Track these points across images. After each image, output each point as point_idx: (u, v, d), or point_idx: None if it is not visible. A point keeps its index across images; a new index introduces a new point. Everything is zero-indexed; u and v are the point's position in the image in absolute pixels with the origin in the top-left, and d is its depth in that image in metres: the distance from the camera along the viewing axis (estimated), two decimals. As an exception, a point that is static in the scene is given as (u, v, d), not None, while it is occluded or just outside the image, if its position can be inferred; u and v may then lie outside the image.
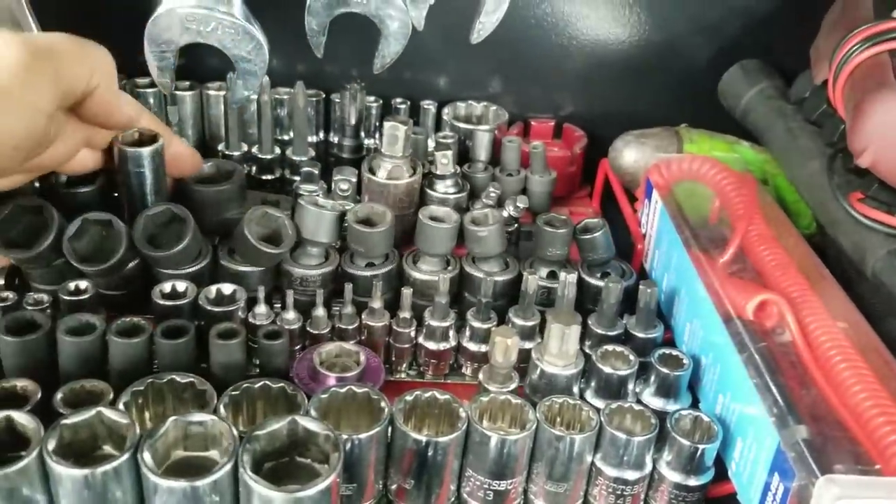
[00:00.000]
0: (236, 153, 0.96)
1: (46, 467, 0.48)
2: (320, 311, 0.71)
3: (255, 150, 0.97)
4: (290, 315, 0.70)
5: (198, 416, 0.51)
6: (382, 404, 0.57)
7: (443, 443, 0.56)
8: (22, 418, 0.50)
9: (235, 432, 0.50)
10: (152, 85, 0.98)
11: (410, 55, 0.83)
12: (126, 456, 0.48)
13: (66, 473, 0.47)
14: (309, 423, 0.51)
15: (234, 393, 0.58)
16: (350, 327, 0.71)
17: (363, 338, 0.72)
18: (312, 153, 0.96)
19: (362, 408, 0.59)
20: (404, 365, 0.74)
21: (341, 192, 0.85)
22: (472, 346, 0.72)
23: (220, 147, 0.97)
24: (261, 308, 0.70)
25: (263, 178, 0.96)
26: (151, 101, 0.98)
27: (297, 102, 0.93)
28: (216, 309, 0.68)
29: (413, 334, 0.72)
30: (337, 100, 0.99)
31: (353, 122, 0.96)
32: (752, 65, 0.99)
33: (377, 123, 1.01)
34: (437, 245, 0.75)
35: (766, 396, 0.56)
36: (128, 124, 0.72)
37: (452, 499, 0.60)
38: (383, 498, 0.61)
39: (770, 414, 0.55)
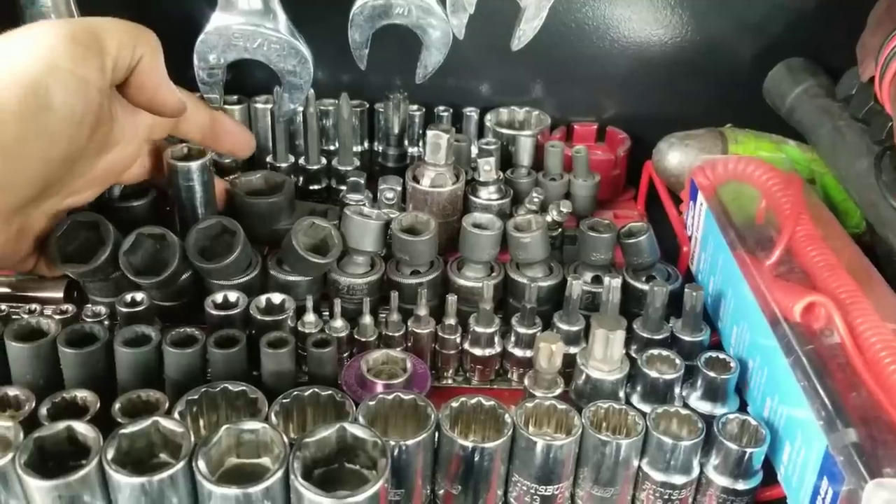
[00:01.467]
0: (284, 164, 0.98)
1: (105, 475, 0.50)
2: (367, 319, 0.72)
3: (301, 161, 0.98)
4: (338, 323, 0.72)
5: (250, 425, 0.53)
6: (429, 411, 0.58)
7: (489, 448, 0.56)
8: (82, 428, 0.52)
9: (286, 440, 0.52)
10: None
11: (452, 63, 0.84)
12: (181, 464, 0.49)
13: (125, 481, 0.49)
14: (357, 430, 0.52)
15: (284, 401, 0.60)
16: (396, 334, 0.72)
17: (409, 345, 0.73)
18: (357, 163, 0.98)
19: (409, 414, 0.60)
20: (450, 371, 0.75)
21: (387, 200, 0.87)
22: (518, 352, 0.72)
23: (268, 159, 0.99)
24: (309, 317, 0.72)
25: (310, 188, 0.98)
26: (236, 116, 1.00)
27: (342, 113, 0.94)
28: (266, 318, 0.69)
29: (458, 340, 0.73)
30: (380, 109, 1.01)
31: (396, 131, 0.97)
32: (797, 63, 0.98)
33: (420, 132, 1.02)
34: (481, 252, 0.76)
35: (815, 399, 0.56)
36: (177, 104, 0.73)
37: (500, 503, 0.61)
38: (431, 503, 0.61)
39: (818, 417, 0.55)
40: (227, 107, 1.00)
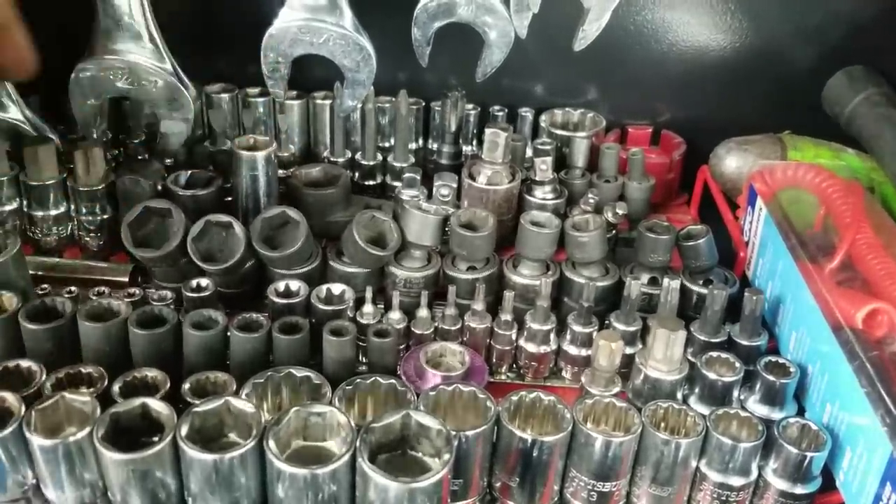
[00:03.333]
0: (341, 159, 0.99)
1: (179, 452, 0.51)
2: (424, 312, 0.73)
3: (358, 156, 1.00)
4: (396, 315, 0.73)
5: (318, 408, 0.54)
6: (489, 403, 0.59)
7: (549, 443, 0.57)
8: (157, 405, 0.54)
9: (353, 424, 0.53)
10: (262, 94, 1.02)
11: (508, 62, 0.85)
12: (252, 443, 0.51)
13: (198, 458, 0.50)
14: (422, 418, 0.53)
15: (347, 387, 0.61)
16: (452, 328, 0.73)
17: (465, 339, 0.74)
18: (412, 159, 0.99)
19: (468, 406, 0.61)
20: (504, 367, 0.75)
21: (442, 197, 0.87)
22: (573, 350, 0.73)
23: (325, 153, 1.01)
24: (368, 307, 0.73)
25: (365, 183, 0.99)
26: (262, 109, 1.02)
27: (400, 110, 0.96)
28: (327, 307, 0.71)
29: (514, 337, 0.73)
30: (437, 107, 1.02)
31: (453, 128, 0.98)
32: (858, 71, 0.97)
33: (475, 130, 1.03)
34: (538, 250, 0.77)
35: (879, 406, 0.56)
36: None
37: (556, 498, 0.61)
38: (488, 495, 0.62)
39: (882, 424, 0.54)
40: (287, 101, 1.01)
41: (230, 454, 0.50)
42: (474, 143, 1.04)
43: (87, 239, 0.85)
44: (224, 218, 0.75)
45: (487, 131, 0.85)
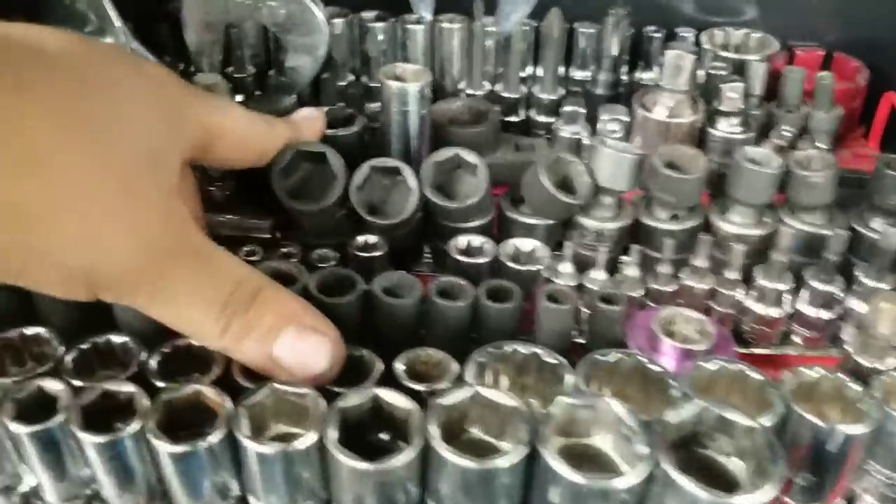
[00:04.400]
0: (479, 92, 0.87)
1: (430, 454, 0.41)
2: (634, 271, 0.62)
3: (498, 87, 0.87)
4: (601, 275, 0.62)
5: (586, 399, 0.43)
6: (769, 387, 0.48)
7: (857, 435, 0.46)
8: (394, 398, 0.43)
9: (634, 420, 0.42)
10: (379, 19, 0.89)
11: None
12: (523, 450, 0.40)
13: (453, 459, 0.40)
14: (726, 412, 0.42)
15: (599, 372, 0.50)
16: (667, 289, 0.62)
17: (680, 301, 0.63)
18: (562, 91, 0.87)
19: (732, 388, 0.50)
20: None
21: (609, 133, 0.75)
22: (811, 312, 0.62)
23: (461, 85, 0.88)
24: (566, 266, 0.62)
25: (507, 119, 0.87)
26: (381, 37, 0.89)
27: (552, 32, 0.83)
28: (521, 267, 0.60)
29: (740, 297, 0.62)
30: (582, 30, 0.89)
31: (614, 52, 0.85)
32: None
33: (626, 56, 0.90)
34: (759, 193, 0.65)
35: None
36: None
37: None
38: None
39: None
40: (409, 27, 0.88)
41: (493, 462, 0.40)
42: (624, 69, 0.91)
43: (212, 189, 0.74)
44: (391, 163, 0.63)
45: (669, 53, 0.73)
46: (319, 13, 0.70)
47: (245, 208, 0.72)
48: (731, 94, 0.75)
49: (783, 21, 0.95)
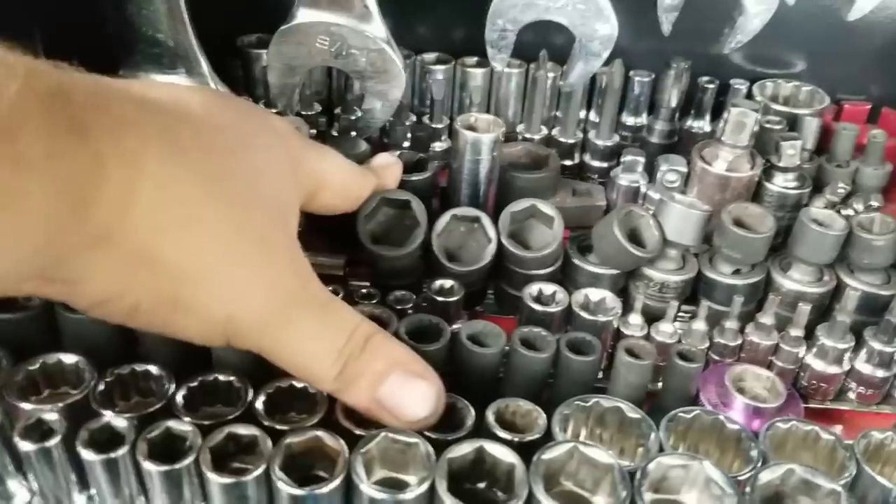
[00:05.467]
0: (537, 136, 0.89)
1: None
2: (701, 325, 0.65)
3: (555, 132, 0.90)
4: (669, 328, 0.64)
5: (680, 459, 0.46)
6: (838, 446, 0.51)
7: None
8: (498, 451, 0.45)
9: (726, 481, 0.44)
10: (480, 65, 0.92)
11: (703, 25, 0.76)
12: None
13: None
14: (810, 475, 0.45)
15: (671, 423, 0.52)
16: (733, 343, 0.64)
17: (742, 356, 0.65)
18: (617, 137, 0.89)
19: (799, 446, 0.53)
20: (782, 386, 0.67)
21: (668, 183, 0.78)
22: (867, 370, 0.64)
23: (519, 129, 0.91)
24: (635, 318, 0.65)
25: (563, 163, 0.89)
26: (480, 80, 0.92)
27: (613, 82, 0.85)
28: (594, 318, 0.62)
29: (802, 354, 0.65)
30: (637, 78, 0.91)
31: (673, 104, 0.88)
32: None
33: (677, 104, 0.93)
34: (822, 253, 0.67)
35: None
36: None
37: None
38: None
39: None
40: (468, 70, 0.91)
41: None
42: (676, 118, 0.93)
43: (285, 226, 0.76)
44: (471, 212, 0.66)
45: (734, 110, 0.75)
46: (399, 62, 0.73)
47: (317, 245, 0.74)
48: (790, 150, 0.78)
49: (831, 74, 0.97)
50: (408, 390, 0.48)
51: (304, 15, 0.72)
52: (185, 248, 0.43)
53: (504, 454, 0.45)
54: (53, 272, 0.41)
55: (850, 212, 0.78)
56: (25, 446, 0.47)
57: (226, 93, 0.58)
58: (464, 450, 0.45)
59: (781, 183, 0.79)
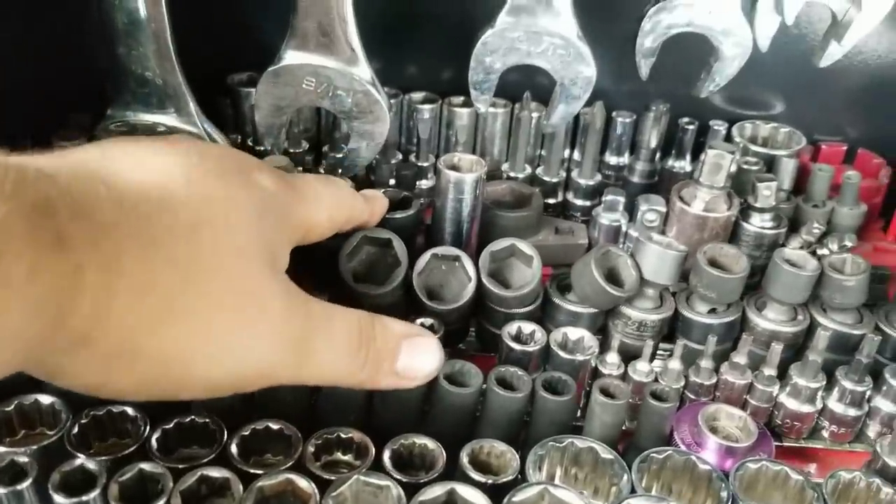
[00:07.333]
0: (521, 175, 0.91)
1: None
2: (676, 364, 0.66)
3: (539, 171, 0.92)
4: (645, 367, 0.65)
5: (651, 502, 0.47)
6: (805, 486, 0.52)
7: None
8: (470, 494, 0.46)
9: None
10: (466, 104, 0.94)
11: (681, 68, 0.78)
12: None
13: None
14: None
15: (643, 464, 0.53)
16: (707, 382, 0.66)
17: (717, 395, 0.66)
18: (599, 177, 0.91)
19: (770, 486, 0.54)
20: (756, 424, 0.68)
21: (647, 222, 0.80)
22: (839, 409, 0.65)
23: (505, 167, 0.93)
24: (612, 357, 0.66)
25: (546, 201, 0.91)
26: (465, 120, 0.94)
27: (594, 123, 0.87)
28: (571, 357, 0.63)
29: (776, 393, 0.66)
30: (620, 119, 0.93)
31: (653, 145, 0.90)
32: None
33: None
34: (795, 293, 0.69)
35: None
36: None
37: None
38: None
39: None
40: (456, 109, 0.93)
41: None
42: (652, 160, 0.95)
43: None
44: (452, 251, 0.67)
45: (710, 152, 0.77)
46: (384, 103, 0.74)
47: (298, 283, 0.75)
48: (766, 191, 0.79)
49: (808, 116, 0.99)
50: (418, 354, 0.55)
51: (291, 57, 0.74)
52: (168, 338, 0.43)
53: (475, 497, 0.46)
54: (34, 370, 0.43)
55: (825, 251, 0.79)
56: (-4, 489, 0.47)
57: (211, 148, 0.58)
58: (435, 492, 0.46)
59: (758, 223, 0.80)
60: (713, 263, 0.69)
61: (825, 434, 0.67)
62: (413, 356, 0.54)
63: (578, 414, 0.63)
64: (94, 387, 0.45)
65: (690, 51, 0.78)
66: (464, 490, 0.46)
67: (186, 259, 0.44)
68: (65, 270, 0.38)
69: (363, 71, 0.75)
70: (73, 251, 0.39)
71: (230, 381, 0.47)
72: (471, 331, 0.75)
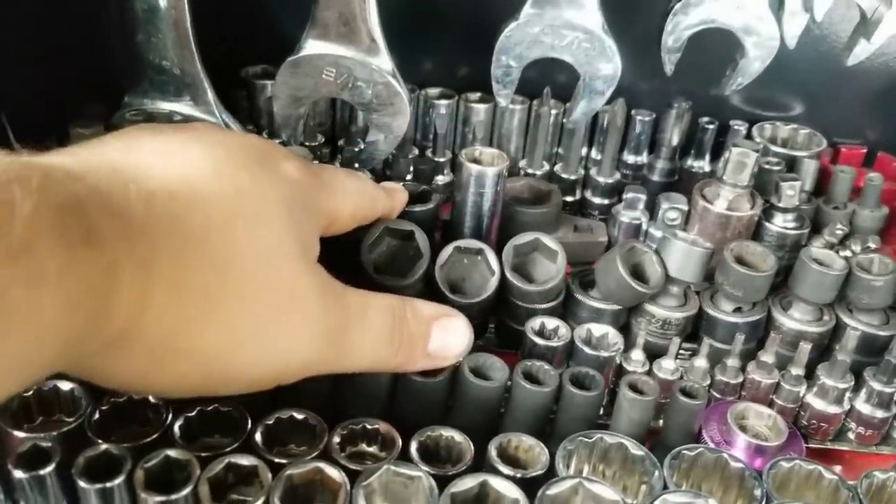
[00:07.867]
0: (539, 172, 0.90)
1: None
2: (702, 363, 0.65)
3: (557, 168, 0.91)
4: (671, 364, 0.64)
5: (686, 497, 0.45)
6: (840, 486, 0.50)
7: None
8: (502, 486, 0.45)
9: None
10: (482, 101, 0.93)
11: (703, 67, 0.77)
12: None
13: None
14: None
15: (675, 461, 0.52)
16: (733, 381, 0.64)
17: (743, 394, 0.65)
18: (618, 175, 0.90)
19: (802, 485, 0.53)
20: (782, 425, 0.66)
21: (668, 221, 0.79)
22: (866, 410, 0.64)
23: (522, 164, 0.92)
24: (637, 354, 0.65)
25: (565, 199, 0.90)
26: (483, 115, 0.93)
27: (616, 121, 0.86)
28: (596, 353, 0.62)
29: (803, 393, 0.65)
30: (639, 117, 0.92)
31: (675, 143, 0.89)
32: None
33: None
34: (822, 292, 0.67)
35: None
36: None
37: None
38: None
39: None
40: (474, 105, 0.92)
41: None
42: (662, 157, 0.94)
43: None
44: (475, 244, 0.66)
45: (735, 150, 0.76)
46: (405, 95, 0.73)
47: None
48: (790, 191, 0.78)
49: (829, 118, 0.99)
50: (450, 335, 0.55)
51: (312, 47, 0.73)
52: (208, 336, 0.43)
53: (508, 489, 0.45)
54: (74, 370, 0.42)
55: (847, 253, 0.79)
56: (19, 474, 0.46)
57: (235, 137, 0.57)
58: (467, 484, 0.45)
59: (781, 223, 0.79)
60: (740, 261, 0.68)
61: (851, 436, 0.66)
62: (444, 337, 0.55)
63: (601, 412, 0.62)
64: (136, 386, 0.44)
65: (710, 50, 0.77)
66: (496, 482, 0.45)
67: (222, 257, 0.43)
68: (99, 267, 0.37)
69: (384, 62, 0.74)
70: (106, 248, 0.38)
71: (271, 376, 0.47)
72: (490, 327, 0.74)
